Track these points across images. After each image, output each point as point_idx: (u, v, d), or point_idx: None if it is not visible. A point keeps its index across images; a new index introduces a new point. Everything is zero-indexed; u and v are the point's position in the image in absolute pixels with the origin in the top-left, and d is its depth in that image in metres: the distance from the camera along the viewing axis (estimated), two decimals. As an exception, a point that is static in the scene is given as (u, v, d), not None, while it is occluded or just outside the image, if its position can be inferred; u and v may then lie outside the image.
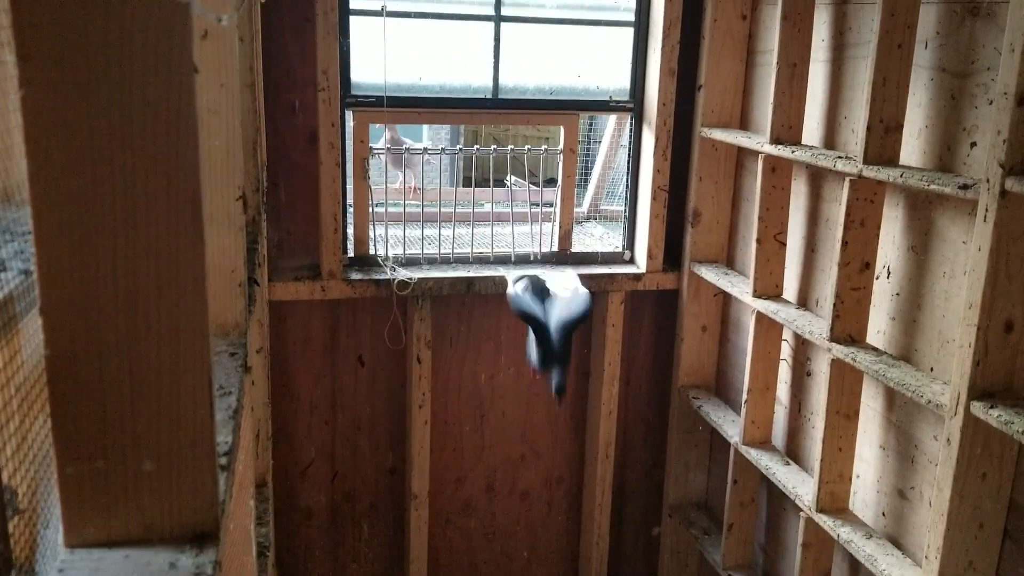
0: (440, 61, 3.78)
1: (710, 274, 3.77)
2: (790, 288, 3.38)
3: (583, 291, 3.46)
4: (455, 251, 3.90)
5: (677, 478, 4.16)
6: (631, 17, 3.84)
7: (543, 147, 3.98)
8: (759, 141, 3.30)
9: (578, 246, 4.08)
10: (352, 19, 3.54)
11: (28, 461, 1.01)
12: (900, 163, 2.70)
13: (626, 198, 4.07)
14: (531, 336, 3.36)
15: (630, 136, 4.01)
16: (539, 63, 3.89)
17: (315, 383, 3.87)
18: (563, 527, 4.36)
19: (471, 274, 3.77)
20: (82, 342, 0.93)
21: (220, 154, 1.71)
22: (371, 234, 3.78)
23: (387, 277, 3.67)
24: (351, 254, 3.75)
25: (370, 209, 3.72)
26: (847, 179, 2.77)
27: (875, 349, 2.83)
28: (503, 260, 3.92)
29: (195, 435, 0.99)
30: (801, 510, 3.13)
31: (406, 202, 4.14)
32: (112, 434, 0.96)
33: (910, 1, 2.60)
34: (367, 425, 3.97)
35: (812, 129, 3.20)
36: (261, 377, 3.17)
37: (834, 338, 2.87)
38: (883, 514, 2.94)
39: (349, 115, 3.62)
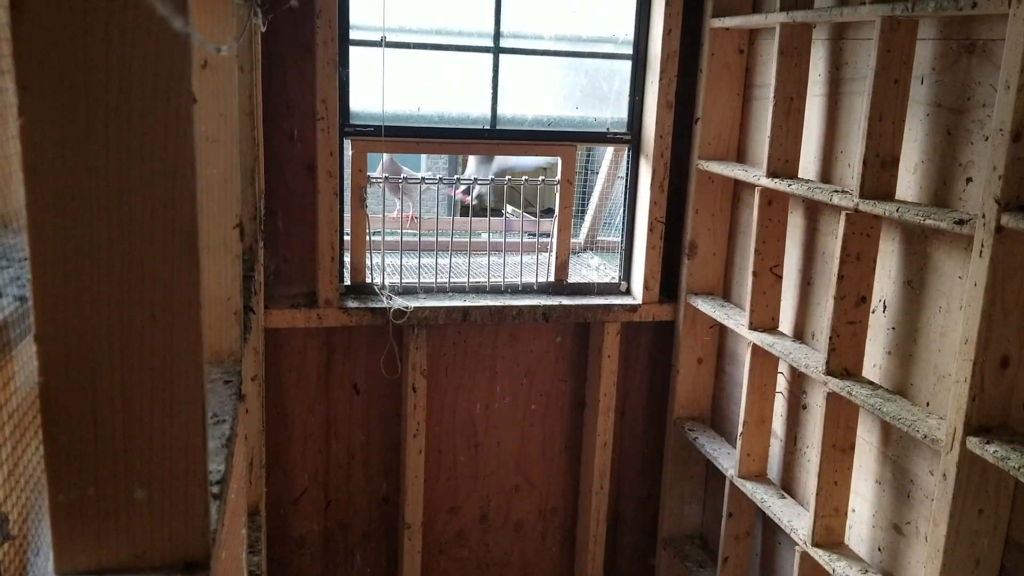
0: (439, 91, 3.80)
1: (706, 306, 3.77)
2: (786, 321, 3.38)
3: None
4: (451, 280, 3.90)
5: (672, 510, 4.15)
6: (629, 50, 3.87)
7: (540, 178, 4.00)
8: (756, 174, 3.32)
9: (575, 276, 4.09)
10: (351, 49, 3.56)
11: (20, 487, 1.01)
12: (896, 198, 2.72)
13: (623, 229, 4.08)
14: None
15: (627, 168, 4.03)
16: (537, 94, 3.91)
17: (309, 411, 3.85)
18: (557, 558, 4.33)
19: (467, 303, 3.77)
20: (76, 369, 0.93)
21: (218, 182, 1.72)
22: (368, 262, 3.78)
23: (383, 305, 3.67)
24: (347, 282, 3.76)
25: (367, 237, 3.73)
26: (843, 213, 2.78)
27: (871, 383, 2.83)
28: (499, 290, 3.92)
29: (187, 463, 0.99)
30: (796, 544, 3.11)
31: (403, 231, 4.15)
32: (104, 461, 0.96)
33: (906, 38, 2.62)
34: (361, 454, 3.96)
35: (809, 163, 3.22)
36: (255, 405, 3.16)
37: (830, 371, 2.87)
38: (879, 549, 2.93)
39: (347, 144, 3.63)
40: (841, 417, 2.91)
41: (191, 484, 0.99)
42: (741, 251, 3.77)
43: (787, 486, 3.45)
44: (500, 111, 3.81)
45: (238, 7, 2.04)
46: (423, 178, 4.07)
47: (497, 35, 3.73)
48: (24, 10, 0.84)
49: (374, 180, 3.80)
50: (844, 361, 2.87)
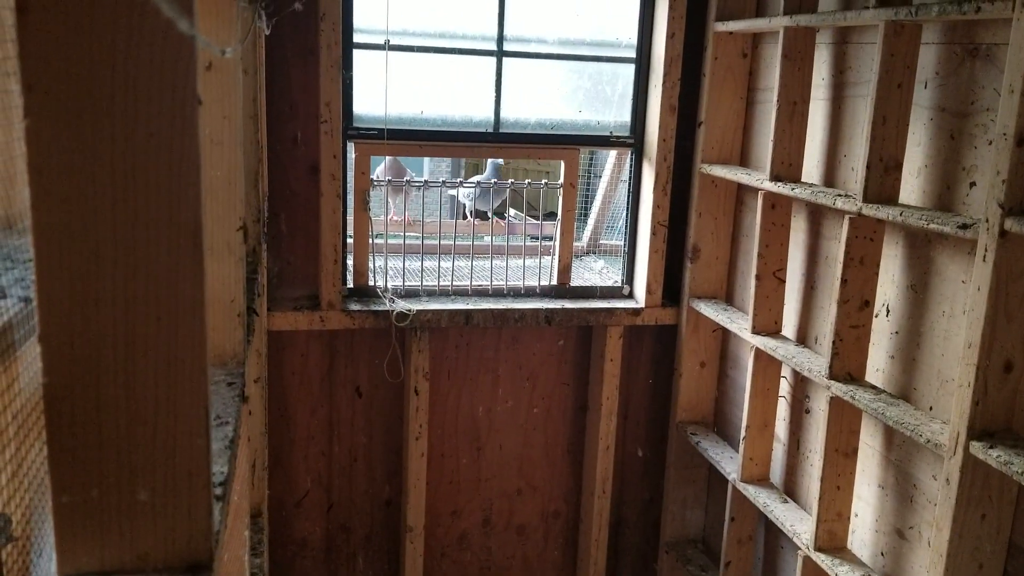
0: (442, 94, 3.80)
1: (709, 310, 3.77)
2: (789, 325, 3.38)
3: None
4: (454, 283, 3.90)
5: (674, 514, 4.14)
6: (632, 54, 3.87)
7: (543, 181, 4.00)
8: (759, 178, 3.32)
9: (577, 280, 4.09)
10: (355, 52, 3.56)
11: (23, 489, 1.01)
12: (900, 202, 2.71)
13: (626, 233, 4.08)
14: None
15: (630, 171, 4.03)
16: (540, 98, 3.91)
17: (312, 413, 3.86)
18: (559, 562, 4.33)
19: (470, 307, 3.77)
20: (80, 370, 0.93)
21: (222, 184, 1.72)
22: (371, 265, 3.79)
23: (386, 308, 3.67)
24: (350, 285, 3.76)
25: (370, 240, 3.73)
26: (847, 217, 2.78)
27: (874, 387, 2.83)
28: (502, 293, 3.92)
29: (191, 465, 0.99)
30: (799, 548, 3.11)
31: (406, 234, 4.15)
32: (108, 463, 0.96)
33: (910, 42, 2.62)
34: (363, 456, 3.96)
35: (812, 167, 3.22)
36: (258, 407, 3.16)
37: (833, 376, 2.87)
38: (882, 553, 2.92)
39: (351, 147, 3.63)
40: (844, 421, 2.91)
41: (194, 486, 0.99)
42: (744, 255, 3.77)
43: (790, 490, 3.44)
44: (503, 114, 3.81)
45: (243, 10, 2.05)
46: (426, 181, 4.06)
47: (500, 38, 3.73)
48: (30, 12, 0.84)
49: (377, 183, 3.80)
50: (847, 365, 2.86)
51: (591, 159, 5.29)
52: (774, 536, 3.58)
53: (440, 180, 4.02)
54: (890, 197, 2.71)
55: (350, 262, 3.75)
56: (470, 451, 4.08)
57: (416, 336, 3.75)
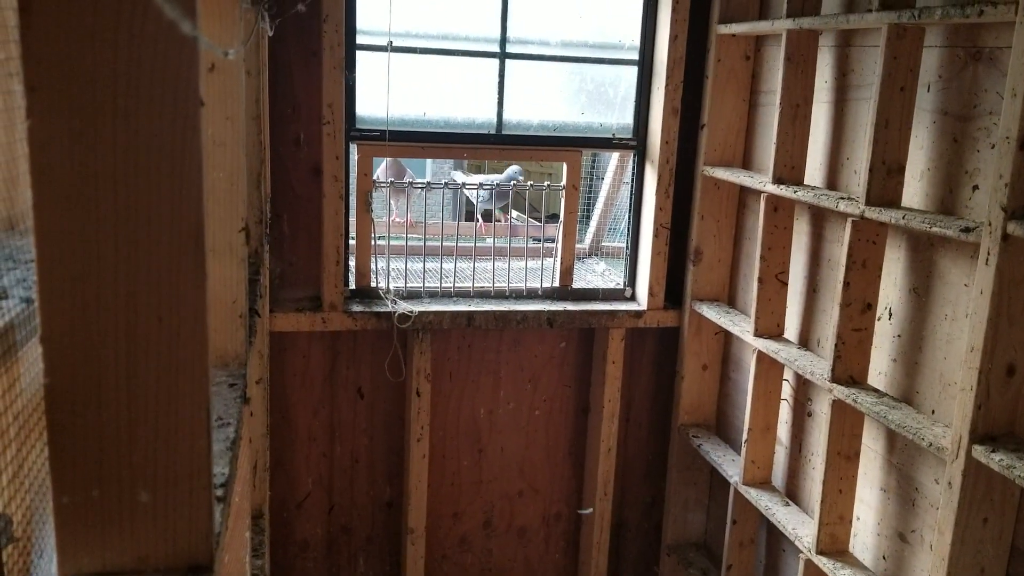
0: (444, 96, 3.80)
1: (711, 312, 3.77)
2: (791, 328, 3.38)
3: None
4: (456, 285, 3.90)
5: (676, 517, 4.14)
6: (635, 56, 3.87)
7: (546, 183, 4.00)
8: (761, 180, 3.32)
9: (579, 282, 4.08)
10: (358, 54, 3.57)
11: (24, 489, 1.01)
12: (902, 205, 2.71)
13: (628, 235, 4.08)
14: None
15: (633, 173, 4.03)
16: (543, 100, 3.91)
17: (314, 415, 3.86)
18: (560, 564, 4.33)
19: (472, 308, 3.77)
20: (82, 371, 0.93)
21: (224, 186, 1.72)
22: (373, 266, 3.79)
23: (388, 310, 3.67)
24: (352, 286, 3.76)
25: (372, 242, 3.73)
26: (849, 220, 2.78)
27: (876, 390, 2.83)
28: (504, 295, 3.92)
29: (192, 466, 0.99)
30: (801, 552, 3.10)
31: (408, 235, 4.15)
32: (109, 464, 0.96)
33: (913, 45, 2.62)
34: (365, 458, 3.96)
35: (814, 169, 3.22)
36: (260, 408, 3.16)
37: (835, 379, 2.87)
38: (884, 557, 2.92)
39: (353, 148, 3.63)
40: (846, 424, 2.90)
41: (195, 487, 0.99)
42: (746, 257, 3.77)
43: (792, 493, 3.44)
44: (506, 116, 3.81)
45: (246, 11, 2.05)
46: (428, 182, 4.07)
47: (503, 40, 3.73)
48: (33, 13, 0.84)
49: (379, 184, 3.80)
50: (849, 368, 2.86)
51: (593, 161, 5.29)
52: (776, 539, 3.58)
53: (443, 182, 4.02)
54: (893, 200, 2.70)
55: (352, 263, 3.75)
56: (471, 453, 4.07)
57: (418, 338, 3.75)
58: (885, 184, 2.69)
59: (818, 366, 3.04)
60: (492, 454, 4.09)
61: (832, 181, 3.15)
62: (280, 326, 3.60)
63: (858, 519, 3.01)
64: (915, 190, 2.72)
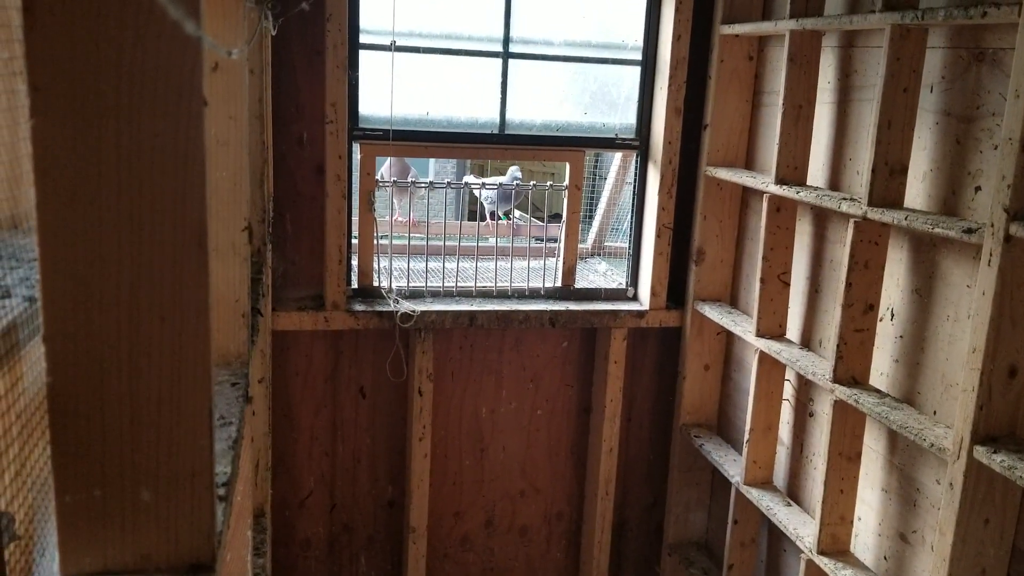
0: (448, 96, 3.81)
1: (713, 312, 3.77)
2: (793, 328, 3.38)
3: None
4: (459, 284, 3.90)
5: (677, 517, 4.14)
6: (638, 56, 3.87)
7: (548, 183, 4.00)
8: (764, 181, 3.32)
9: (582, 282, 4.08)
10: (361, 53, 3.57)
11: (27, 488, 1.01)
12: (905, 206, 2.71)
13: (630, 235, 4.08)
14: None
15: (635, 173, 4.03)
16: (546, 100, 3.91)
17: (316, 414, 3.86)
18: (562, 564, 4.33)
19: (474, 308, 3.77)
20: (84, 370, 0.93)
21: (227, 185, 1.72)
22: (375, 266, 3.79)
23: (390, 309, 3.67)
24: (355, 285, 3.76)
25: (375, 241, 3.73)
26: (851, 221, 2.78)
27: (878, 391, 2.83)
28: (506, 294, 3.92)
29: (194, 465, 0.99)
30: (802, 552, 3.10)
31: (411, 235, 4.15)
32: (111, 463, 0.96)
33: (916, 46, 2.62)
34: (367, 457, 3.96)
35: (817, 170, 3.22)
36: (262, 407, 3.17)
37: (837, 379, 2.87)
38: (885, 558, 2.92)
39: (356, 148, 3.64)
40: (848, 425, 2.90)
41: (197, 486, 0.99)
42: (749, 258, 3.77)
43: (793, 494, 3.44)
44: (509, 116, 3.81)
45: (249, 10, 2.05)
46: (431, 182, 4.07)
47: (507, 40, 3.73)
48: (37, 12, 0.84)
49: (382, 184, 3.80)
50: (851, 369, 2.86)
51: (596, 161, 5.29)
52: (777, 539, 3.58)
53: (446, 181, 4.03)
54: (895, 201, 2.70)
55: (355, 263, 3.75)
56: (473, 452, 4.08)
57: (420, 337, 3.75)
58: (888, 185, 2.69)
59: (820, 366, 3.04)
60: (494, 453, 4.10)
61: (835, 182, 3.15)
62: (283, 325, 3.61)
63: (859, 519, 3.01)
64: (918, 191, 2.72)
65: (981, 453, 2.26)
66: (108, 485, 0.97)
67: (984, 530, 2.34)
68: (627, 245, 4.12)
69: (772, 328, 3.37)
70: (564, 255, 3.96)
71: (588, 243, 4.66)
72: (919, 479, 2.76)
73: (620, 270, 4.23)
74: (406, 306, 3.68)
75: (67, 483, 0.96)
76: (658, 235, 3.89)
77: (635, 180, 4.03)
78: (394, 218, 4.44)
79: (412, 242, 4.03)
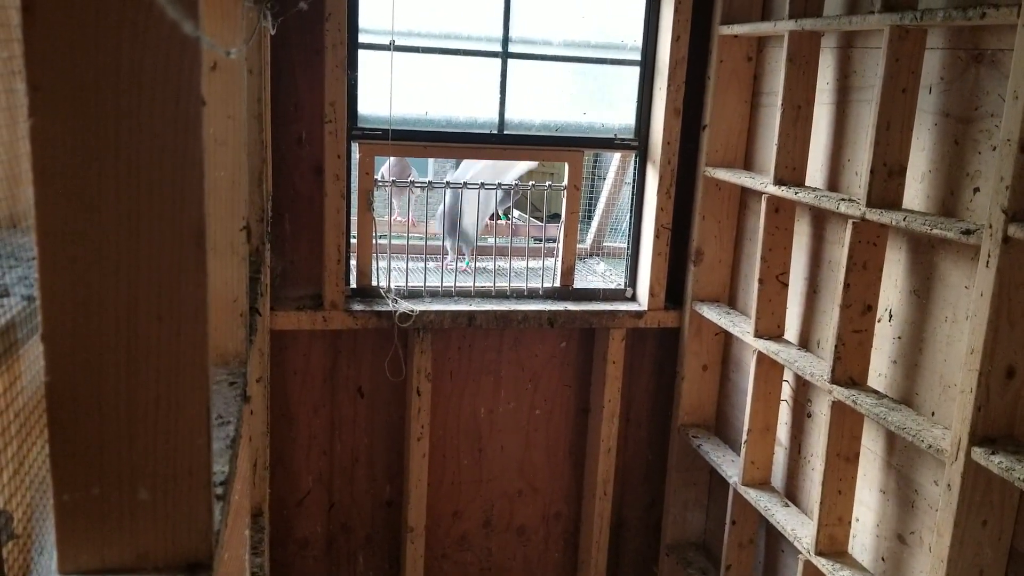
0: (447, 95, 3.81)
1: (712, 313, 3.77)
2: (792, 329, 3.38)
3: None
4: (457, 284, 3.90)
5: (675, 517, 4.14)
6: (637, 56, 3.87)
7: (547, 183, 4.00)
8: (763, 181, 3.32)
9: (580, 282, 4.09)
10: (360, 53, 3.57)
11: (25, 486, 1.01)
12: (903, 207, 2.71)
13: (629, 235, 4.08)
14: None
15: (634, 174, 4.03)
16: (545, 100, 3.91)
17: (314, 413, 3.86)
18: (560, 564, 4.33)
19: (473, 308, 3.77)
20: (82, 369, 0.94)
21: (226, 184, 1.73)
22: (374, 265, 3.79)
23: (389, 309, 3.67)
24: (353, 285, 3.76)
25: (373, 241, 3.73)
26: (850, 221, 2.78)
27: (876, 392, 2.83)
28: (505, 295, 3.92)
29: (192, 464, 0.99)
30: (800, 553, 3.11)
31: (409, 234, 4.15)
32: (109, 462, 0.96)
33: (915, 47, 2.62)
34: (365, 456, 3.96)
35: (816, 171, 3.22)
36: (260, 406, 3.17)
37: (835, 380, 2.87)
38: (882, 559, 2.92)
39: (355, 147, 3.64)
40: (846, 426, 2.91)
41: (195, 485, 0.99)
42: (747, 258, 3.77)
43: (791, 494, 3.44)
44: (508, 116, 3.81)
45: (248, 10, 2.05)
46: (430, 182, 4.07)
47: (506, 40, 3.74)
48: (36, 12, 0.84)
49: (381, 183, 3.80)
50: (849, 370, 2.86)
51: (595, 161, 5.29)
52: (775, 540, 3.58)
53: (444, 181, 4.03)
54: (894, 202, 2.71)
55: (353, 262, 3.75)
56: (471, 452, 4.08)
57: (419, 337, 3.76)
58: (886, 186, 2.69)
59: (818, 367, 3.04)
60: (492, 453, 4.10)
61: (833, 182, 3.15)
62: (281, 324, 3.61)
63: (857, 520, 3.02)
64: (916, 192, 2.73)
65: (979, 454, 2.26)
66: (106, 484, 0.97)
67: (982, 531, 2.35)
68: (626, 245, 4.12)
69: (770, 329, 3.37)
70: (563, 255, 3.96)
71: (587, 243, 4.66)
72: (917, 480, 2.76)
73: (619, 270, 4.23)
74: (404, 306, 3.68)
75: (65, 482, 0.96)
76: (657, 235, 3.89)
77: (634, 180, 4.03)
78: (393, 218, 4.44)
79: (411, 241, 4.04)
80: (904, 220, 2.56)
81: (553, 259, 4.05)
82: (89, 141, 0.88)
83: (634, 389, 4.17)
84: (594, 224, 4.69)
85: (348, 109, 3.54)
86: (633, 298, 4.06)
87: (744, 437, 3.47)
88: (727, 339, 3.95)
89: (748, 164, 3.74)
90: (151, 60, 0.87)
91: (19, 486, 0.99)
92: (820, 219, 3.24)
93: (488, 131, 3.82)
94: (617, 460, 4.14)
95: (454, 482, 4.09)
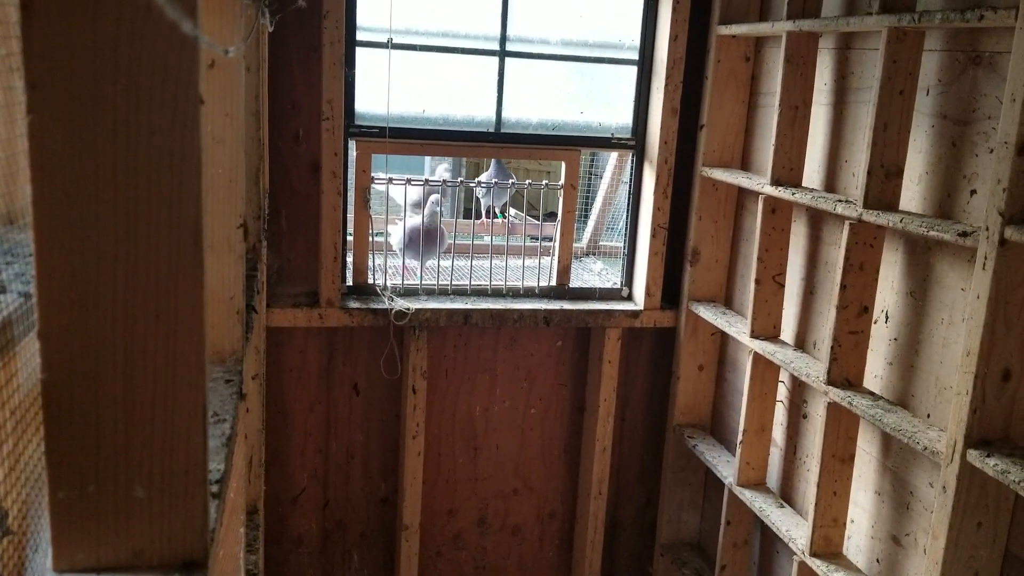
0: (444, 94, 3.80)
1: (708, 313, 3.77)
2: (788, 329, 3.38)
3: None
4: (453, 283, 3.90)
5: (670, 517, 4.14)
6: (635, 56, 3.87)
7: (544, 181, 4.00)
8: (760, 182, 3.32)
9: (576, 281, 4.09)
10: (358, 50, 3.56)
11: (20, 483, 1.01)
12: (900, 208, 2.72)
13: (625, 235, 4.08)
14: None
15: (631, 173, 4.03)
16: (542, 98, 3.91)
17: (309, 410, 3.86)
18: (554, 563, 4.33)
19: (469, 306, 3.77)
20: (79, 366, 0.93)
21: (223, 182, 1.72)
22: (370, 263, 3.79)
23: (385, 307, 3.67)
24: (350, 283, 3.76)
25: (370, 238, 3.73)
26: (847, 223, 2.78)
27: (872, 393, 2.83)
28: (501, 293, 3.92)
29: (187, 462, 0.99)
30: (795, 553, 3.11)
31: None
32: (105, 459, 0.96)
33: (913, 48, 2.62)
34: (360, 454, 3.96)
35: (813, 172, 3.22)
36: (256, 404, 3.16)
37: (831, 381, 2.87)
38: (877, 560, 2.92)
39: (352, 145, 3.63)
40: (841, 427, 2.91)
41: (191, 483, 0.99)
42: (744, 259, 3.77)
43: (786, 495, 3.45)
44: (505, 114, 3.81)
45: (246, 7, 2.05)
46: (426, 180, 4.07)
47: (503, 38, 3.73)
48: (35, 10, 0.84)
49: (378, 181, 3.80)
50: (845, 371, 2.87)
51: (592, 160, 5.29)
52: (770, 541, 3.58)
53: (441, 180, 4.03)
54: (890, 203, 2.71)
55: (350, 260, 3.75)
56: (467, 450, 4.08)
57: (415, 335, 3.75)
58: (883, 187, 2.69)
59: (814, 368, 3.05)
60: (487, 452, 4.10)
61: (830, 183, 3.15)
62: (277, 321, 3.60)
63: (852, 522, 3.02)
64: (913, 194, 2.73)
65: (974, 456, 2.26)
66: (101, 481, 0.97)
67: (977, 533, 2.35)
68: (622, 245, 4.12)
69: (766, 329, 3.37)
70: (559, 254, 3.96)
71: (583, 242, 4.66)
72: (912, 482, 2.77)
73: (615, 270, 4.23)
74: (400, 304, 3.68)
75: (61, 479, 0.96)
76: (653, 235, 3.89)
77: (631, 180, 4.03)
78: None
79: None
80: (901, 222, 2.56)
81: (549, 258, 4.05)
82: (87, 139, 0.88)
83: (629, 389, 4.18)
84: (590, 223, 4.69)
85: (345, 107, 3.54)
86: (629, 297, 4.06)
87: (739, 437, 3.48)
88: (723, 339, 3.96)
89: (745, 164, 3.75)
90: (150, 59, 0.87)
91: (15, 483, 0.99)
92: (817, 220, 3.24)
93: (485, 129, 3.82)
94: (612, 460, 4.14)
95: (449, 480, 4.09)
